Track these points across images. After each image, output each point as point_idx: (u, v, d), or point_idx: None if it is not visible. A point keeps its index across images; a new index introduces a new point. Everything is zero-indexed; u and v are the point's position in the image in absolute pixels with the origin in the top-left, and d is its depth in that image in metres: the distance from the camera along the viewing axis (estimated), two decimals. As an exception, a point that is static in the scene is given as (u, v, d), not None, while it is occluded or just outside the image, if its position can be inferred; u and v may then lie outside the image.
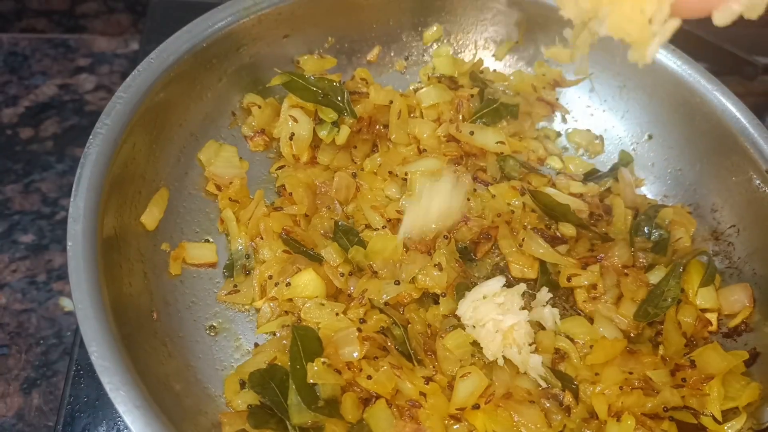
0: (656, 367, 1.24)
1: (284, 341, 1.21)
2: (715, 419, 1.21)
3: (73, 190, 1.10)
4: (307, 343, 1.15)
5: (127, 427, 1.24)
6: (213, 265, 1.32)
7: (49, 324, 1.76)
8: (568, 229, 1.39)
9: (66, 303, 1.81)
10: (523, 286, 1.29)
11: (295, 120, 1.41)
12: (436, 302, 1.29)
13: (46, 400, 1.66)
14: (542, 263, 1.36)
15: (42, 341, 1.74)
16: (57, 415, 1.29)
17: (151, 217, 1.25)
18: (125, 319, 1.07)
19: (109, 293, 1.04)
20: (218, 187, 1.38)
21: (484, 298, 1.23)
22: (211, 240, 1.35)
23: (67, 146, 2.05)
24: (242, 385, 1.17)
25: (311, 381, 1.10)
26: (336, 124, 1.41)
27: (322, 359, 1.12)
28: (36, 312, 1.78)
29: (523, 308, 1.26)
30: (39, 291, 1.81)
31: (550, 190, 1.43)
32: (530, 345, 1.24)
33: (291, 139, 1.41)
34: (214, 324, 1.26)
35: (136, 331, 1.11)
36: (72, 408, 1.29)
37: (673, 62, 1.48)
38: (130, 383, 0.95)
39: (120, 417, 1.28)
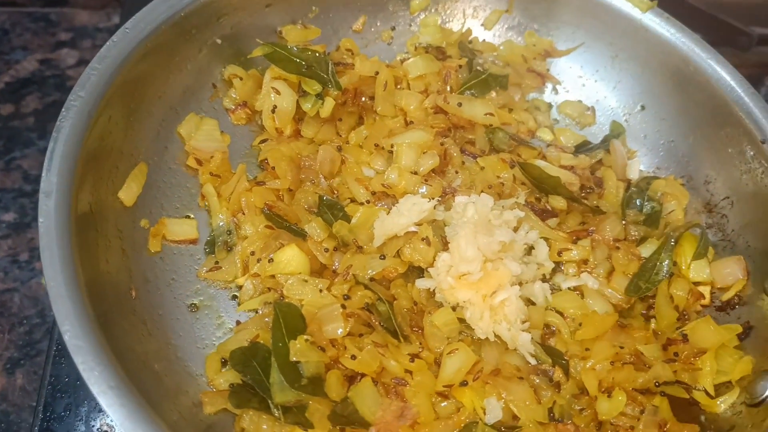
0: (648, 342, 1.22)
1: (267, 319, 1.18)
2: (707, 394, 1.19)
3: (44, 164, 1.06)
4: (289, 320, 1.12)
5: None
6: (194, 242, 1.29)
7: (32, 303, 1.74)
8: (558, 203, 1.36)
9: (49, 282, 1.78)
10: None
11: (278, 92, 1.37)
12: (422, 277, 1.26)
13: (29, 380, 1.63)
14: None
15: (25, 321, 1.71)
16: (38, 395, 1.26)
17: (129, 193, 1.22)
18: (102, 297, 1.04)
19: (84, 271, 1.01)
20: (199, 162, 1.34)
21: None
22: (192, 216, 1.31)
23: (48, 122, 2.01)
24: (224, 363, 1.15)
25: (294, 359, 1.08)
26: (320, 96, 1.37)
27: (305, 336, 1.10)
28: (19, 291, 1.75)
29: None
30: (21, 270, 1.78)
31: (540, 163, 1.40)
32: (523, 323, 1.21)
33: (273, 111, 1.38)
34: (195, 302, 1.24)
35: (114, 309, 1.08)
36: (53, 388, 1.27)
37: (667, 30, 1.45)
38: (105, 363, 0.92)
39: (95, 396, 1.26)
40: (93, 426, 1.24)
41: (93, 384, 0.90)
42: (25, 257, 1.80)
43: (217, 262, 1.26)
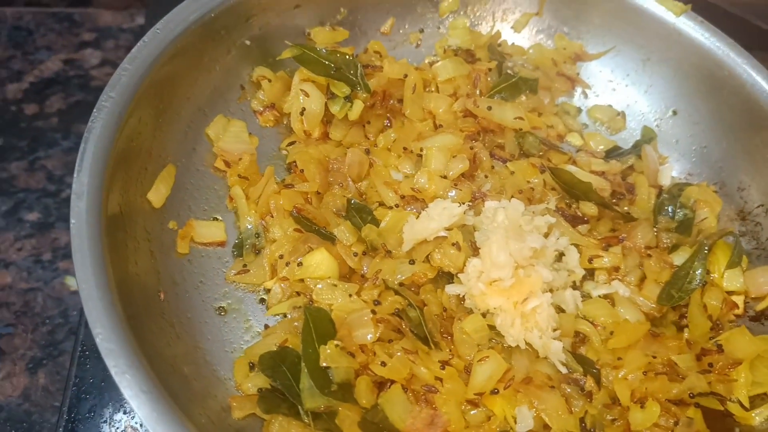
0: (681, 352, 1.20)
1: (296, 323, 1.17)
2: (742, 405, 1.17)
3: (76, 165, 1.06)
4: (319, 325, 1.11)
5: (134, 410, 1.24)
6: (222, 244, 1.28)
7: (55, 303, 1.74)
8: (589, 209, 1.34)
9: (72, 282, 1.79)
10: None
11: (307, 94, 1.36)
12: (451, 282, 1.25)
13: (52, 380, 1.63)
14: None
15: (48, 320, 1.71)
16: (63, 396, 1.26)
17: (157, 194, 1.21)
18: (131, 299, 1.03)
19: (114, 273, 1.00)
20: (227, 164, 1.33)
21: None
22: (220, 218, 1.30)
23: (72, 123, 2.01)
24: (251, 367, 1.13)
25: (324, 364, 1.06)
26: (349, 98, 1.36)
27: (335, 342, 1.08)
28: (42, 291, 1.75)
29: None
30: (45, 270, 1.78)
31: (570, 168, 1.38)
32: (554, 330, 1.19)
33: (302, 114, 1.37)
34: (223, 305, 1.22)
35: (143, 312, 1.07)
36: (78, 389, 1.26)
37: (701, 34, 1.43)
38: (137, 366, 0.91)
39: (127, 399, 1.26)
40: (117, 428, 1.23)
41: (126, 387, 0.89)
42: (48, 257, 1.80)
43: (245, 265, 1.25)
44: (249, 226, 1.27)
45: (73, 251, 0.98)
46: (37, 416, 1.58)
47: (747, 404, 1.16)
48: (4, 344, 1.66)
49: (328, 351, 1.07)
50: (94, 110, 1.11)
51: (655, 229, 1.34)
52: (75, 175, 1.05)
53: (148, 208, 1.20)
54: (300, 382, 1.06)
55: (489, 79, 1.45)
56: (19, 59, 2.12)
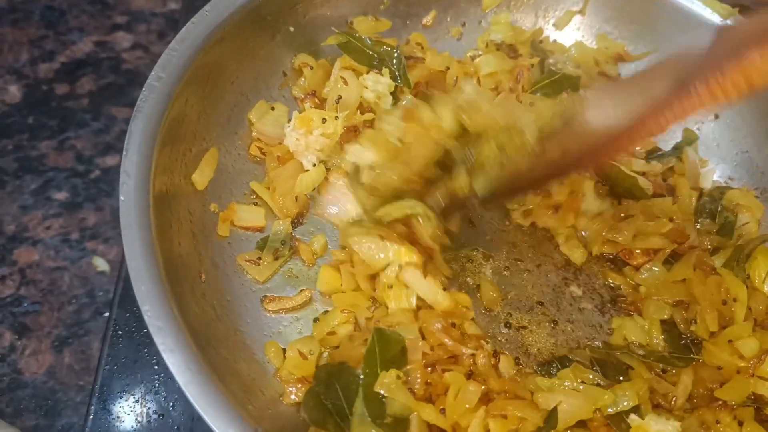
0: None
1: (361, 337, 1.10)
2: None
3: (125, 143, 1.06)
4: (388, 350, 1.04)
5: (164, 389, 1.24)
6: (261, 229, 1.27)
7: (82, 283, 1.74)
8: (632, 210, 1.33)
9: (99, 263, 1.79)
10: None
11: (345, 82, 1.35)
12: None
13: (77, 359, 1.64)
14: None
15: (74, 300, 1.72)
16: (95, 374, 1.26)
17: (202, 176, 1.21)
18: (176, 279, 1.03)
19: (161, 252, 1.00)
20: (262, 151, 1.33)
21: None
22: (259, 204, 1.30)
23: (103, 104, 2.02)
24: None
25: (379, 390, 1.00)
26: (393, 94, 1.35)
27: (399, 373, 1.01)
28: (69, 270, 1.76)
29: None
30: (72, 249, 1.79)
31: (613, 166, 1.37)
32: None
33: (337, 102, 1.36)
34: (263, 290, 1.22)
35: (187, 292, 1.07)
36: (110, 368, 1.26)
37: (747, 38, 1.41)
38: (184, 344, 0.91)
39: (157, 378, 1.26)
40: (149, 408, 1.23)
41: (173, 365, 0.89)
42: (76, 237, 1.81)
43: (259, 258, 1.22)
44: (280, 228, 1.25)
45: (123, 228, 0.98)
46: (61, 394, 1.59)
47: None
48: (30, 322, 1.66)
49: (387, 380, 1.00)
50: (144, 89, 1.11)
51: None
52: (124, 153, 1.05)
53: (191, 189, 1.20)
54: (354, 406, 1.01)
55: (531, 75, 1.45)
56: (51, 39, 2.12)
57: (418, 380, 1.03)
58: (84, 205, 1.84)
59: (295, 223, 1.28)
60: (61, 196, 1.85)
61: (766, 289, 1.26)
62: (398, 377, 1.01)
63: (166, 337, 0.91)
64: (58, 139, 1.93)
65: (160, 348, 0.90)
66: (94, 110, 2.00)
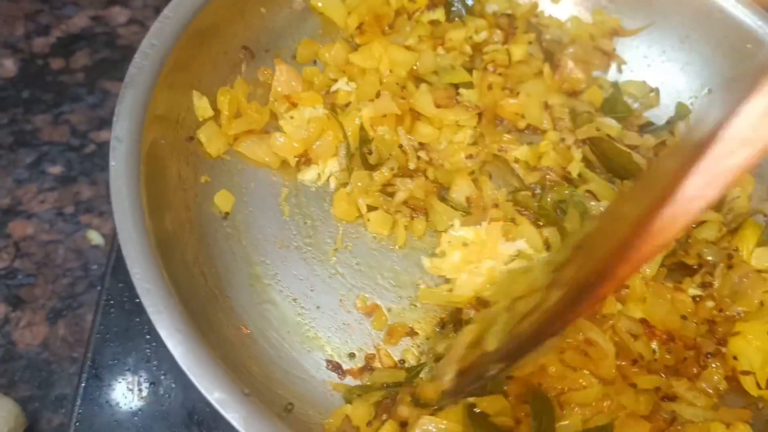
0: None
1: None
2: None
3: (116, 109, 1.05)
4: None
5: (155, 358, 1.24)
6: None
7: (76, 256, 1.74)
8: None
9: (93, 236, 1.79)
10: None
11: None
12: None
13: (71, 331, 1.64)
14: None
15: (68, 273, 1.72)
16: (87, 343, 1.27)
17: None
18: (166, 244, 1.03)
19: (151, 217, 1.00)
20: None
21: None
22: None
23: (98, 79, 2.01)
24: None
25: None
26: None
27: None
28: (63, 243, 1.76)
29: None
30: (66, 223, 1.79)
31: (607, 140, 1.36)
32: None
33: None
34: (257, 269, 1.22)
35: (177, 258, 1.07)
36: (102, 337, 1.27)
37: (742, 12, 1.41)
38: (173, 306, 0.91)
39: (149, 347, 1.26)
40: (141, 377, 1.24)
41: (161, 327, 0.89)
42: (70, 210, 1.80)
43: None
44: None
45: (112, 194, 0.98)
46: (55, 366, 1.59)
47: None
48: (24, 294, 1.66)
49: None
50: (135, 56, 1.11)
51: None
52: (114, 119, 1.05)
53: (184, 157, 1.20)
54: None
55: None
56: (46, 13, 2.11)
57: None
58: (78, 179, 1.83)
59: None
60: (55, 170, 1.84)
61: (753, 261, 1.27)
62: None
63: (154, 298, 0.91)
64: (53, 113, 1.93)
65: (149, 310, 0.90)
66: (89, 85, 1.99)
